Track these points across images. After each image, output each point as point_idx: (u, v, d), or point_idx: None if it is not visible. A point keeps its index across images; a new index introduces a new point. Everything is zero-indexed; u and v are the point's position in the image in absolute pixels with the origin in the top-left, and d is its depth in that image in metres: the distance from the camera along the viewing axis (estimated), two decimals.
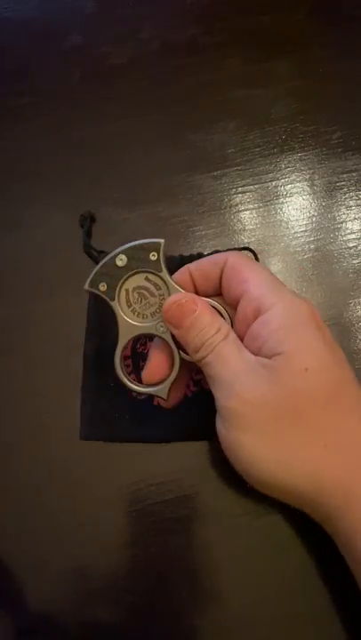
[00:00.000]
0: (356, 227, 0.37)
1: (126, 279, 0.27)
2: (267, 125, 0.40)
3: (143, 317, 0.28)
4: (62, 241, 0.37)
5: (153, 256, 0.27)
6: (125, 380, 0.28)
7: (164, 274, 0.27)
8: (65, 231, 0.37)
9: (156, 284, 0.27)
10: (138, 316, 0.28)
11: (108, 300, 0.28)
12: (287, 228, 0.37)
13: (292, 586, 0.29)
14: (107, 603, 0.30)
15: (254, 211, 0.38)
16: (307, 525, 0.29)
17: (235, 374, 0.24)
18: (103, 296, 0.27)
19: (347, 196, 0.38)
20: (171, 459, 0.32)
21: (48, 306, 0.36)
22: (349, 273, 0.36)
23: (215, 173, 0.39)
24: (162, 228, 0.37)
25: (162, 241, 0.27)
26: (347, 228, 0.37)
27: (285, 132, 0.40)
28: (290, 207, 0.38)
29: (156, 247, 0.27)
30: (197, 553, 0.30)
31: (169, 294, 0.27)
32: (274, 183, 0.39)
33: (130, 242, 0.27)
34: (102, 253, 0.35)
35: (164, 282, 0.27)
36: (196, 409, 0.32)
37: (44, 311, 0.36)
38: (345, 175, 0.38)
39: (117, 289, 0.27)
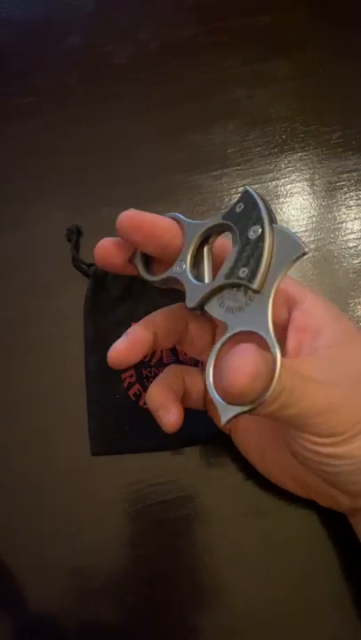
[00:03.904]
0: (356, 227, 0.37)
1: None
2: (267, 125, 0.40)
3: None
4: (62, 241, 0.37)
5: (243, 273, 0.21)
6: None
7: (228, 284, 0.21)
8: (65, 231, 0.37)
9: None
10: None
11: (223, 214, 0.22)
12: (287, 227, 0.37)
13: (293, 586, 0.29)
14: (107, 603, 0.30)
15: None
16: (307, 525, 0.29)
17: (334, 390, 0.21)
18: (230, 210, 0.22)
19: (347, 195, 0.38)
20: (171, 459, 0.32)
21: (48, 306, 0.36)
22: (349, 273, 0.36)
23: (215, 173, 0.39)
24: None
25: (305, 252, 0.19)
26: (347, 228, 0.37)
27: (285, 132, 0.40)
28: (290, 207, 0.38)
29: (297, 251, 0.19)
30: (197, 553, 0.30)
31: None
32: (274, 183, 0.39)
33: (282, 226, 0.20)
34: (92, 267, 0.35)
35: (220, 286, 0.21)
36: (202, 412, 0.31)
37: (44, 311, 0.36)
38: (345, 175, 0.38)
39: (229, 227, 0.22)
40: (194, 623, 0.29)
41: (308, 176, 0.39)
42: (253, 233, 0.20)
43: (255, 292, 0.20)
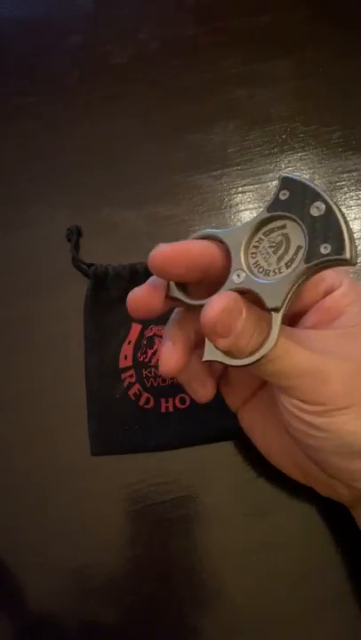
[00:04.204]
0: (356, 227, 0.37)
1: (295, 222, 0.21)
2: (267, 125, 0.40)
3: (252, 255, 0.22)
4: (63, 241, 0.37)
5: (325, 249, 0.20)
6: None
7: (302, 269, 0.20)
8: (65, 231, 0.37)
9: (291, 260, 0.21)
10: (253, 247, 0.22)
11: (268, 206, 0.21)
12: None
13: (293, 586, 0.29)
14: (107, 603, 0.30)
15: (254, 211, 0.38)
16: (307, 525, 0.29)
17: (318, 357, 0.21)
18: (271, 199, 0.21)
19: (347, 195, 0.38)
20: (171, 459, 0.32)
21: (48, 306, 0.36)
22: (349, 273, 0.36)
23: (215, 173, 0.39)
24: (162, 228, 0.37)
25: (346, 259, 0.19)
26: None
27: (285, 132, 0.40)
28: None
29: (337, 251, 0.19)
30: (197, 553, 0.30)
31: (280, 280, 0.20)
32: (274, 183, 0.39)
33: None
34: (92, 266, 0.35)
35: (294, 271, 0.20)
36: (202, 411, 0.32)
37: (44, 311, 0.36)
38: (345, 175, 0.38)
39: (278, 214, 0.21)
40: (194, 623, 0.29)
41: (308, 176, 0.39)
42: (317, 210, 0.20)
43: (350, 263, 0.19)
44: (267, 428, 0.27)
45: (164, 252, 0.21)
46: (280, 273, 0.21)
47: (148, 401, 0.33)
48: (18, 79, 0.43)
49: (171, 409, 0.32)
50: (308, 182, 0.20)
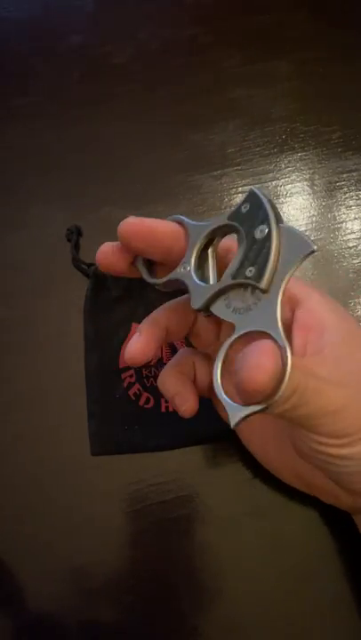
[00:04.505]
0: (356, 227, 0.37)
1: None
2: (267, 125, 0.40)
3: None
4: (62, 241, 0.37)
5: (250, 272, 0.21)
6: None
7: (234, 284, 0.21)
8: (65, 231, 0.37)
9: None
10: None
11: (233, 215, 0.22)
12: None
13: (293, 585, 0.29)
14: (107, 603, 0.30)
15: None
16: (307, 525, 0.29)
17: (343, 391, 0.20)
18: (236, 210, 0.21)
19: (347, 195, 0.38)
20: (171, 459, 0.32)
21: (48, 306, 0.36)
22: (349, 273, 0.36)
23: (215, 173, 0.39)
24: None
25: (314, 250, 0.20)
26: (347, 228, 0.37)
27: (285, 132, 0.40)
28: (290, 207, 0.38)
29: (306, 249, 0.20)
30: (197, 553, 0.30)
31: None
32: (274, 183, 0.39)
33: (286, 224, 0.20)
34: (92, 267, 0.35)
35: (227, 286, 0.21)
36: (202, 411, 0.31)
37: (44, 311, 0.36)
38: (345, 175, 0.38)
39: (235, 226, 0.21)
40: (194, 623, 0.29)
41: (308, 176, 0.39)
42: (260, 232, 0.20)
43: (263, 291, 0.20)
44: (266, 440, 0.27)
45: (130, 225, 0.22)
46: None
47: (148, 401, 0.33)
48: (18, 79, 0.43)
49: (171, 409, 0.32)
50: (265, 203, 0.20)
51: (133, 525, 0.31)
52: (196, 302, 0.22)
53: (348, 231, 0.37)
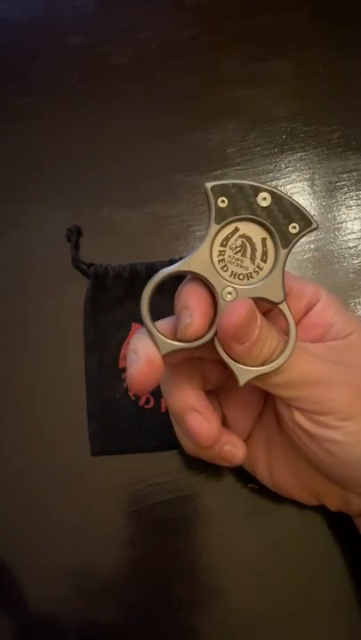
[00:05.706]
0: (356, 227, 0.37)
1: (248, 220, 0.21)
2: (267, 125, 0.40)
3: (223, 269, 0.22)
4: (62, 240, 0.37)
5: (293, 228, 0.21)
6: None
7: (284, 254, 0.21)
8: (65, 231, 0.37)
9: (265, 254, 0.21)
10: (220, 262, 0.22)
11: (215, 218, 0.21)
12: None
13: (293, 586, 0.29)
14: (107, 603, 0.30)
15: None
16: (307, 525, 0.29)
17: (328, 365, 0.22)
18: (213, 211, 0.21)
19: (347, 195, 0.38)
20: (171, 459, 0.32)
21: (48, 306, 0.36)
22: (349, 273, 0.36)
23: (215, 173, 0.39)
24: (162, 228, 0.37)
25: (316, 227, 0.21)
26: (347, 228, 0.37)
27: (285, 132, 0.40)
28: None
29: (307, 225, 0.21)
30: (197, 553, 0.30)
31: (268, 274, 0.21)
32: (274, 183, 0.39)
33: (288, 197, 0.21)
34: (92, 266, 0.35)
35: (275, 260, 0.21)
36: None
37: (44, 311, 0.36)
38: (345, 175, 0.38)
39: (231, 219, 0.21)
40: (194, 623, 0.29)
41: (308, 176, 0.39)
42: (264, 200, 0.21)
43: (315, 229, 0.21)
44: (271, 460, 0.27)
45: (137, 381, 0.21)
46: (261, 270, 0.21)
47: (148, 401, 0.33)
48: (18, 79, 0.43)
49: None
50: (239, 181, 0.21)
51: (133, 525, 0.31)
52: (276, 294, 0.21)
53: (349, 231, 0.37)
